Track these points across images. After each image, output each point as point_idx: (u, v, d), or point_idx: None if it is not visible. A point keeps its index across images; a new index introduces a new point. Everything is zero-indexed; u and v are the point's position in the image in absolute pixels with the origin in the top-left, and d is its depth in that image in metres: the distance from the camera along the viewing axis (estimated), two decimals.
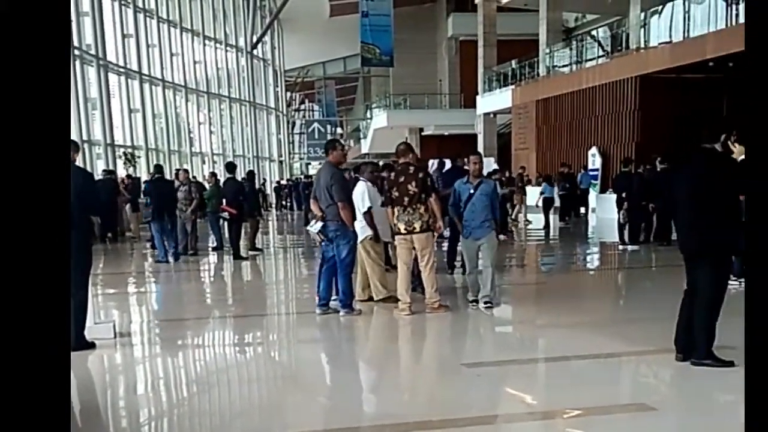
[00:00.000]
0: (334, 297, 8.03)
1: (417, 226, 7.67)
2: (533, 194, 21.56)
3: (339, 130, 62.69)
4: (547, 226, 19.05)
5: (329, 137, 56.81)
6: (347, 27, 40.70)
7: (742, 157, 5.44)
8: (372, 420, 4.73)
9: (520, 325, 7.77)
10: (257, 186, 22.70)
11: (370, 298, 8.55)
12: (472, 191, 7.93)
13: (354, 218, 7.84)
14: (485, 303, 7.90)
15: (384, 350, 6.90)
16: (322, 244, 7.89)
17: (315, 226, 7.81)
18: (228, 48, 41.19)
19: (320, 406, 5.22)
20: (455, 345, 6.87)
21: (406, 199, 7.65)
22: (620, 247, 14.09)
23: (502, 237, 8.54)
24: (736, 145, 5.47)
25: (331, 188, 7.58)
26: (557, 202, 21.24)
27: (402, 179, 7.72)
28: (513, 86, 32.98)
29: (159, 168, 14.77)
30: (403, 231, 7.71)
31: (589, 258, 14.64)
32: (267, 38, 46.92)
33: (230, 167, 14.70)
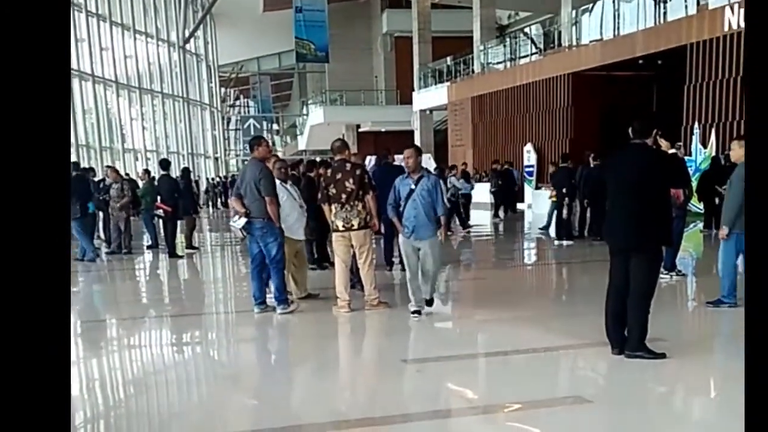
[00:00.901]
0: (269, 294, 7.98)
1: (355, 223, 7.66)
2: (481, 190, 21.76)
3: (275, 127, 62.22)
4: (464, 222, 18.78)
5: (266, 133, 56.67)
6: (281, 22, 40.39)
7: (672, 150, 5.59)
8: (313, 418, 4.70)
9: (460, 321, 7.82)
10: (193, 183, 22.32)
11: (309, 296, 8.55)
12: (412, 187, 7.30)
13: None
14: (426, 302, 7.56)
15: (323, 348, 6.87)
16: (247, 241, 7.85)
17: (238, 222, 7.74)
18: (160, 42, 40.42)
19: (261, 404, 5.17)
20: (395, 341, 6.89)
21: (344, 196, 7.63)
22: (556, 242, 14.32)
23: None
24: (663, 140, 5.61)
25: (259, 183, 7.52)
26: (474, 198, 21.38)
27: (339, 176, 7.68)
28: (448, 83, 33.24)
29: (75, 165, 14.50)
30: (341, 228, 7.68)
31: (526, 253, 14.82)
32: (200, 33, 46.21)
33: (164, 164, 14.45)
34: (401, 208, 7.34)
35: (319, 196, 7.90)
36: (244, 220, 7.66)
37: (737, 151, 7.21)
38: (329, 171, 7.86)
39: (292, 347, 7.08)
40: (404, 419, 4.51)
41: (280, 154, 28.53)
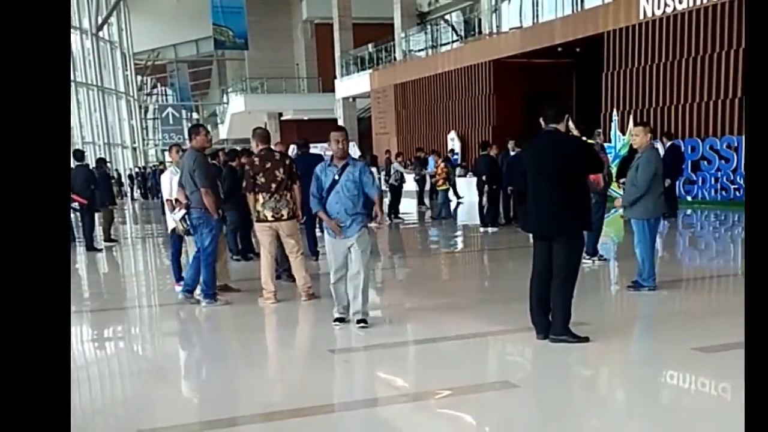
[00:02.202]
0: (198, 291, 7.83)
1: (285, 213, 7.57)
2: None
3: (195, 116, 61.07)
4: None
5: (185, 122, 55.51)
6: (198, 8, 39.67)
7: (576, 133, 5.67)
8: (243, 410, 4.64)
9: (388, 309, 7.81)
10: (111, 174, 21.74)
11: (226, 287, 8.39)
12: (336, 177, 6.41)
13: (218, 205, 7.65)
14: (359, 322, 6.49)
15: (251, 340, 6.76)
16: (190, 231, 7.65)
17: (177, 214, 7.56)
18: (71, 30, 39.14)
19: (188, 398, 5.07)
20: (322, 332, 6.83)
21: (274, 185, 7.51)
22: (481, 229, 14.44)
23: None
24: (574, 128, 5.69)
25: (194, 173, 7.34)
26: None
27: (269, 165, 7.56)
28: (371, 70, 33.21)
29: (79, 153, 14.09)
30: (270, 218, 7.56)
31: (452, 241, 14.93)
32: (113, 19, 44.93)
33: (78, 155, 13.99)
34: (323, 201, 6.44)
35: (244, 184, 7.73)
36: (183, 211, 7.48)
37: (641, 138, 7.45)
38: (257, 160, 7.70)
39: (218, 340, 6.94)
40: (334, 409, 4.50)
41: None
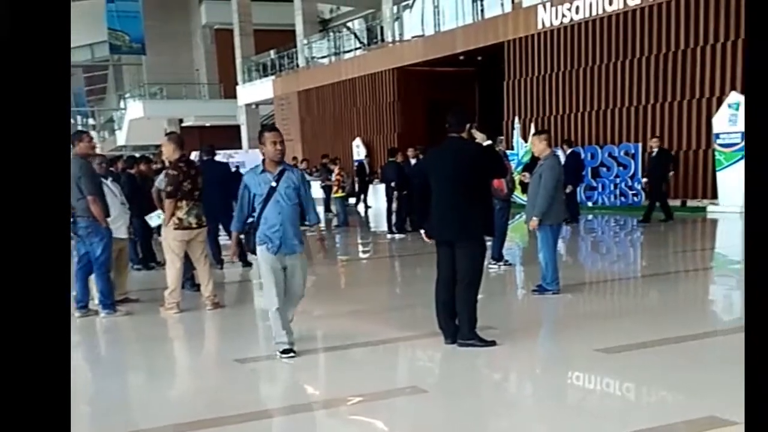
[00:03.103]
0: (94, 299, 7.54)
1: (203, 220, 7.57)
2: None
3: (91, 122, 59.12)
4: None
5: (80, 128, 53.67)
6: (93, 12, 38.34)
7: (487, 142, 5.74)
8: (149, 423, 4.46)
9: (297, 317, 7.68)
10: None
11: (126, 299, 8.13)
12: (273, 184, 5.55)
13: (107, 214, 7.39)
14: (284, 352, 5.68)
15: (155, 351, 6.54)
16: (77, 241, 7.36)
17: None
18: None
19: (88, 412, 4.83)
20: (228, 341, 6.69)
21: (197, 193, 7.47)
22: (388, 235, 14.47)
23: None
24: (478, 132, 5.76)
25: (79, 181, 7.06)
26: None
27: (193, 172, 7.51)
28: (273, 77, 32.93)
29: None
30: (194, 225, 7.47)
31: (360, 248, 14.91)
32: None
33: None
34: (256, 213, 5.56)
35: (169, 189, 7.37)
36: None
37: (537, 146, 7.67)
38: (183, 165, 7.46)
39: (121, 352, 6.68)
40: (240, 419, 4.36)
41: (98, 150, 27.10)
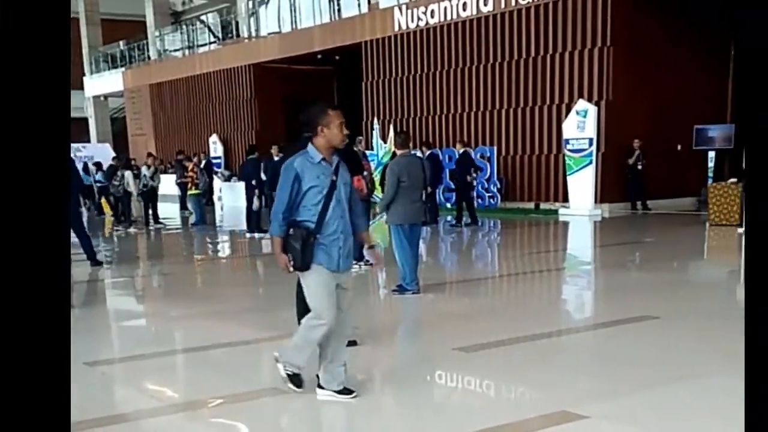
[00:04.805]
0: None
1: None
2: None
3: None
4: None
5: None
6: None
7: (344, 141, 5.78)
8: None
9: (153, 318, 7.50)
10: None
11: None
12: (334, 178, 4.44)
13: None
14: (292, 378, 4.68)
15: None
16: None
17: None
18: None
19: None
20: (75, 343, 6.37)
21: None
22: (247, 234, 14.28)
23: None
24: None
25: None
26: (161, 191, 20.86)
27: None
28: (123, 69, 31.72)
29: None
30: None
31: (218, 247, 14.68)
32: None
33: None
34: (311, 215, 4.32)
35: None
36: None
37: (390, 147, 7.79)
38: None
39: None
40: (94, 425, 4.17)
41: None
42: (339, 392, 4.51)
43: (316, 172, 4.29)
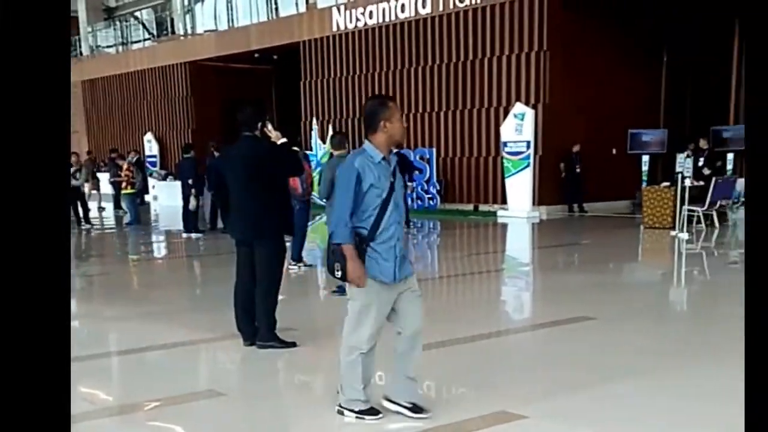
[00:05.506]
0: None
1: None
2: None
3: None
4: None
5: None
6: None
7: (282, 140, 5.73)
8: None
9: (86, 320, 7.28)
10: None
11: None
12: (392, 179, 4.05)
13: None
14: (367, 412, 4.28)
15: None
16: None
17: None
18: None
19: None
20: None
21: None
22: (184, 234, 14.04)
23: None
24: (272, 131, 5.74)
25: None
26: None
27: None
28: None
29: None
30: None
31: (154, 247, 14.42)
32: None
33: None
34: (366, 219, 3.92)
35: None
36: None
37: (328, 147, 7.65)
38: None
39: None
40: None
41: None
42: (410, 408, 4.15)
43: (377, 172, 3.87)
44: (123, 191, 17.02)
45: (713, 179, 13.15)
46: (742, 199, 13.73)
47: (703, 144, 15.42)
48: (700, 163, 14.80)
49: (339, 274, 3.91)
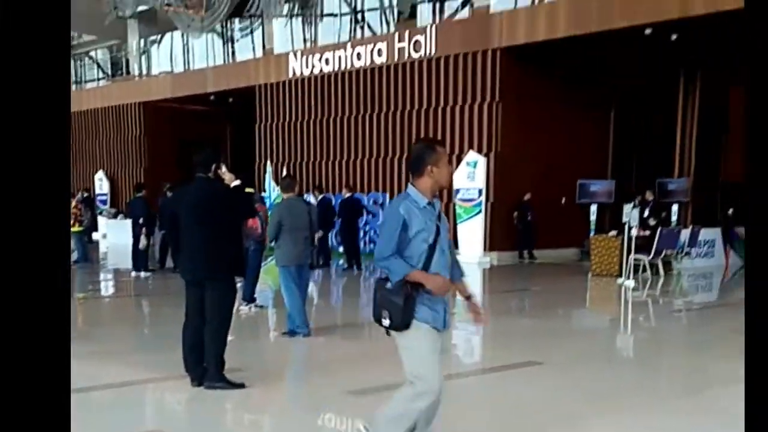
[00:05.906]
0: None
1: None
2: None
3: None
4: None
5: None
6: None
7: (236, 182, 5.77)
8: None
9: None
10: None
11: None
12: (438, 223, 3.90)
13: None
14: None
15: None
16: None
17: None
18: None
19: None
20: None
21: None
22: (133, 273, 13.87)
23: None
24: (226, 173, 5.78)
25: None
26: None
27: None
28: None
29: None
30: None
31: (102, 285, 14.20)
32: None
33: None
34: (420, 266, 3.73)
35: None
36: None
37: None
38: None
39: None
40: None
41: None
42: None
43: (424, 217, 3.72)
44: (71, 229, 16.75)
45: (659, 229, 13.49)
46: (686, 250, 14.11)
47: (648, 195, 15.81)
48: (646, 214, 15.14)
49: (387, 322, 3.75)
